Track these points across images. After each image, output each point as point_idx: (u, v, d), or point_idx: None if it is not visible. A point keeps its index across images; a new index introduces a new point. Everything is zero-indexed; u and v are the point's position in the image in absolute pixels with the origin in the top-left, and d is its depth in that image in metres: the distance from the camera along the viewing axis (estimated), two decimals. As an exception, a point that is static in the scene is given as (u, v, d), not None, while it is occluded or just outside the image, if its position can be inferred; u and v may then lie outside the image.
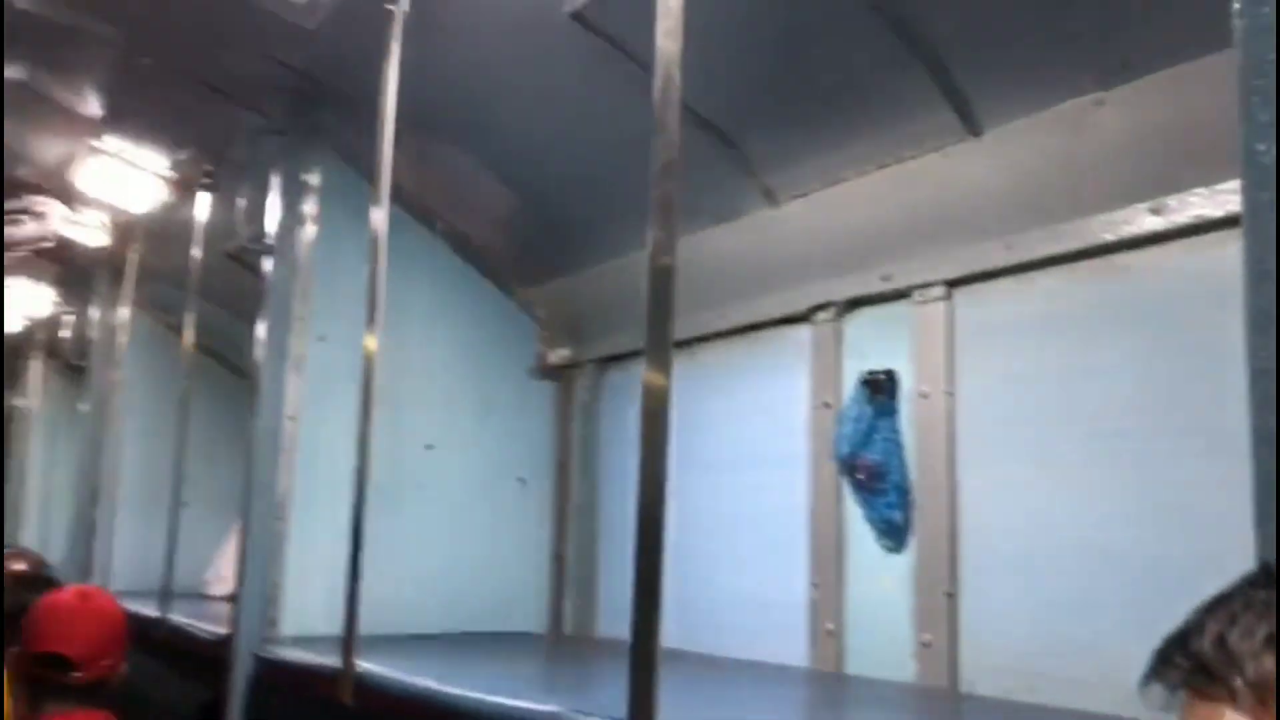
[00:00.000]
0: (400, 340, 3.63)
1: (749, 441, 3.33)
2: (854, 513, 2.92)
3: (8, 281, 6.25)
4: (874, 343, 2.94)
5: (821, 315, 3.07)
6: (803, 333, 3.14)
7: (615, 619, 3.67)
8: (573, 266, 3.90)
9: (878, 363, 2.89)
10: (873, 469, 2.85)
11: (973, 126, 2.56)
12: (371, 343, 2.68)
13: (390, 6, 2.67)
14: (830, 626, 2.92)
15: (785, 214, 3.08)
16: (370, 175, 2.76)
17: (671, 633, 3.20)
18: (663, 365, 1.58)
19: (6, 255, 4.56)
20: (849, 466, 2.91)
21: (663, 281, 1.59)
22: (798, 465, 3.09)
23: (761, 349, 3.32)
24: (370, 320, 2.68)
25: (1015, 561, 2.51)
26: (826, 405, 3.03)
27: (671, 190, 1.58)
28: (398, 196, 3.56)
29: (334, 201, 3.54)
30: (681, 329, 3.34)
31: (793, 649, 3.01)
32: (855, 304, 2.99)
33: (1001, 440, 2.59)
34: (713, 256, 3.29)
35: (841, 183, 2.90)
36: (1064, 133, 2.40)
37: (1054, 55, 2.33)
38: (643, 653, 1.54)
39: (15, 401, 7.71)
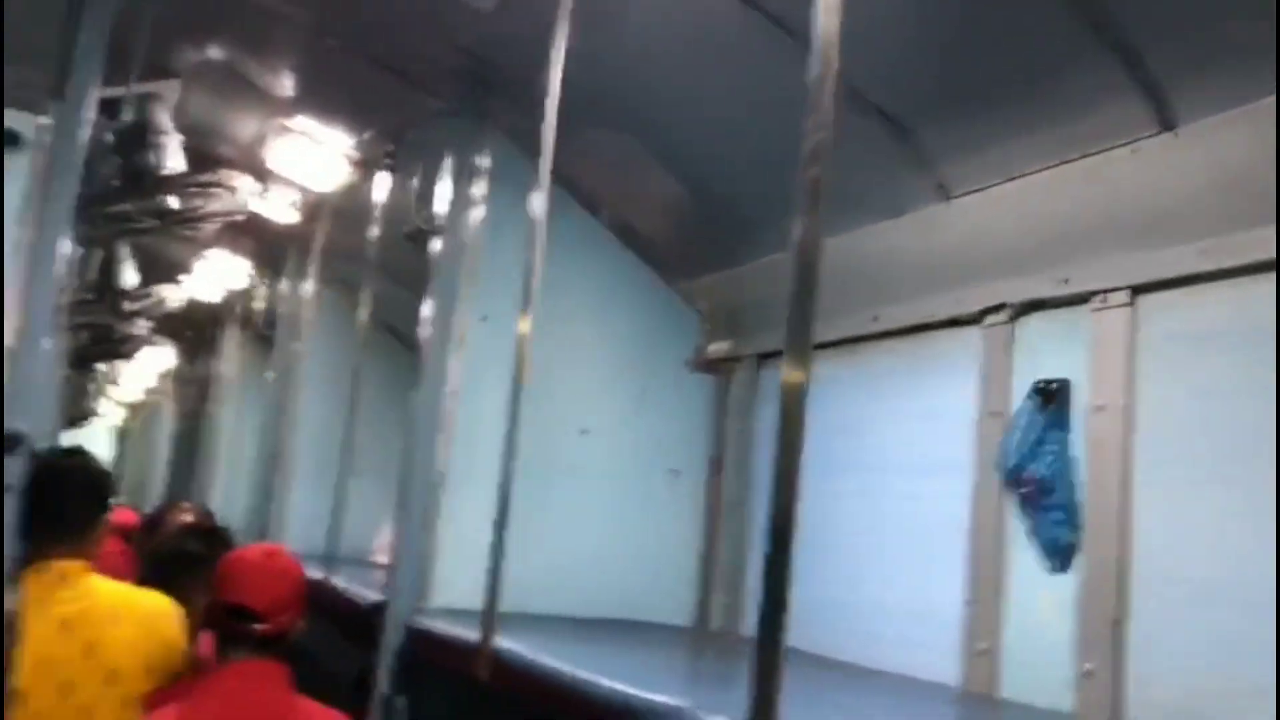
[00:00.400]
0: (560, 325, 3.66)
1: (909, 447, 3.20)
2: (1017, 528, 2.76)
3: (210, 252, 6.65)
4: (1048, 349, 2.77)
5: (993, 318, 2.91)
6: (972, 336, 2.99)
7: (761, 618, 3.58)
8: (737, 259, 3.84)
9: (1051, 371, 2.72)
10: (1040, 483, 2.69)
11: (1167, 120, 2.37)
12: (525, 325, 2.69)
13: (562, -10, 2.66)
14: (984, 646, 2.77)
15: (958, 209, 2.94)
16: (537, 159, 2.77)
17: (813, 637, 3.14)
18: (802, 361, 1.50)
19: (201, 226, 4.86)
20: (1014, 479, 2.76)
21: (806, 272, 1.51)
22: (959, 475, 2.94)
23: (927, 351, 3.18)
24: (525, 303, 2.69)
25: (1192, 591, 2.32)
26: (994, 414, 2.88)
27: (821, 175, 1.50)
28: (565, 182, 3.59)
29: (502, 185, 3.59)
30: (843, 327, 3.30)
31: (943, 666, 2.87)
32: (1030, 307, 2.82)
33: (1183, 460, 2.39)
34: (879, 253, 3.18)
35: (1020, 177, 2.75)
36: (1270, 128, 2.18)
37: (1263, 42, 2.12)
38: (767, 655, 1.47)
39: (211, 367, 8.21)
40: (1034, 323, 2.83)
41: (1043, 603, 2.64)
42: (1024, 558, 2.72)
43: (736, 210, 3.67)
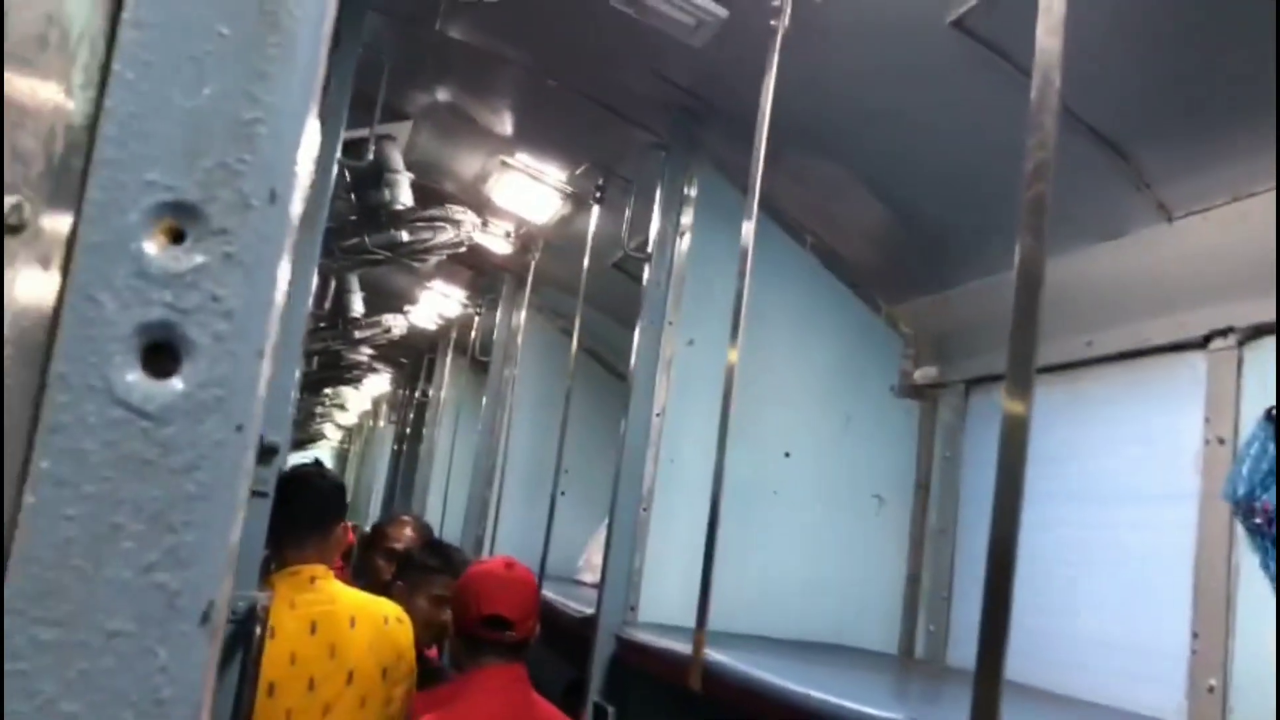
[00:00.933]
0: (764, 349, 3.73)
1: (1124, 475, 3.10)
2: (1248, 560, 2.64)
3: (431, 283, 7.07)
4: (1280, 374, 2.64)
5: (1219, 343, 2.80)
6: (1196, 361, 2.88)
7: (969, 647, 3.52)
8: (943, 283, 3.82)
9: (1284, 397, 2.60)
10: (1272, 514, 2.56)
11: None
12: (733, 355, 2.75)
13: (773, 23, 2.74)
14: (1212, 683, 2.65)
15: (1181, 230, 2.85)
16: (743, 188, 2.85)
17: (1024, 667, 3.08)
18: (1024, 388, 1.49)
19: (427, 258, 5.20)
20: (1244, 509, 2.63)
21: (1029, 293, 1.51)
22: (1182, 504, 2.84)
23: (1148, 377, 3.08)
24: (734, 333, 2.75)
25: None
26: (1220, 441, 2.76)
27: (1044, 193, 1.51)
28: (769, 209, 3.67)
29: (708, 212, 3.70)
30: (1059, 352, 3.25)
31: (1165, 702, 2.76)
32: (1260, 331, 2.70)
33: None
34: (1093, 276, 3.11)
35: (1250, 197, 2.64)
36: None
37: None
38: (987, 684, 1.48)
39: (427, 392, 8.67)
40: (1265, 347, 2.70)
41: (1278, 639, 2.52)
42: (1256, 592, 2.59)
43: (943, 234, 3.65)
